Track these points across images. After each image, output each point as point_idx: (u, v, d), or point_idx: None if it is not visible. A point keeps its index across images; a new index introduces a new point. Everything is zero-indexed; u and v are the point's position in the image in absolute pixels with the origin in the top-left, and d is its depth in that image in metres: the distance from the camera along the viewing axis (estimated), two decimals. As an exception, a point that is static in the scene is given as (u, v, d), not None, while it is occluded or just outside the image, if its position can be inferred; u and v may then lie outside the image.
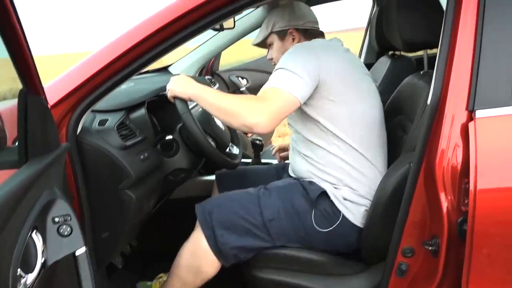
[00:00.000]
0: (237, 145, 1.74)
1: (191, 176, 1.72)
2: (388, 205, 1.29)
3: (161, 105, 1.69)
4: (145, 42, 1.21)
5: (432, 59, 1.54)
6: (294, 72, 1.30)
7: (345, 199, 1.39)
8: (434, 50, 1.37)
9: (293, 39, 1.53)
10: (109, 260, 1.42)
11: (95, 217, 1.30)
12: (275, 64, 1.49)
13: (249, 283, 1.46)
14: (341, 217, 1.39)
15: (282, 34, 1.55)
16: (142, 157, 1.39)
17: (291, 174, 1.55)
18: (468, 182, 1.08)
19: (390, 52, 2.05)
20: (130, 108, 1.49)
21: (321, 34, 1.58)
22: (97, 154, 1.27)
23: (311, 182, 1.43)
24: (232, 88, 2.94)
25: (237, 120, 1.29)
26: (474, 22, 1.10)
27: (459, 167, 1.11)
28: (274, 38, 1.56)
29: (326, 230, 1.37)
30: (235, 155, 1.67)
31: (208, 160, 1.77)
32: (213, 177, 1.88)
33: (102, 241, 1.32)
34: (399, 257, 1.24)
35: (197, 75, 2.63)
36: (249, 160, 2.11)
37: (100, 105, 1.38)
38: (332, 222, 1.38)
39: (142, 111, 1.50)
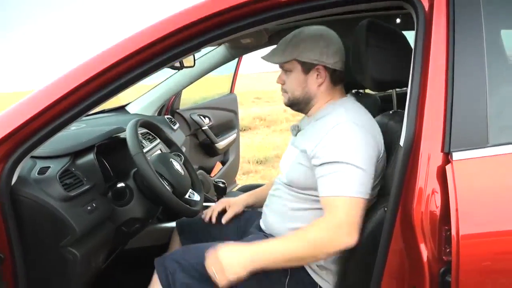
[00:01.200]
0: (198, 191, 1.61)
1: (147, 225, 1.56)
2: (364, 254, 1.18)
3: (113, 149, 1.55)
4: (93, 80, 1.09)
5: (400, 96, 1.51)
6: (362, 168, 1.18)
7: (319, 267, 1.30)
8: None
9: (317, 76, 1.33)
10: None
11: (32, 281, 1.12)
12: (283, 91, 1.39)
13: None
14: None
15: (307, 67, 1.33)
16: (89, 208, 1.24)
17: (263, 228, 1.43)
18: (449, 229, 1.00)
19: (354, 90, 2.02)
20: (77, 153, 1.34)
21: (342, 79, 1.40)
22: (35, 207, 1.11)
23: None
24: (194, 127, 2.84)
25: (324, 253, 1.17)
26: (445, 59, 1.05)
27: (438, 212, 1.02)
28: (296, 67, 1.34)
29: None
30: (195, 201, 1.53)
31: (165, 208, 1.62)
32: (171, 225, 1.73)
33: None
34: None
35: (156, 114, 2.51)
36: (212, 204, 1.97)
37: (42, 150, 1.23)
38: None
39: (90, 156, 1.35)
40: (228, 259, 1.15)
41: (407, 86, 1.15)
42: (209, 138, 2.91)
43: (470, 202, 1.00)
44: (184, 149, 2.50)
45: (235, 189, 2.71)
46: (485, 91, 1.03)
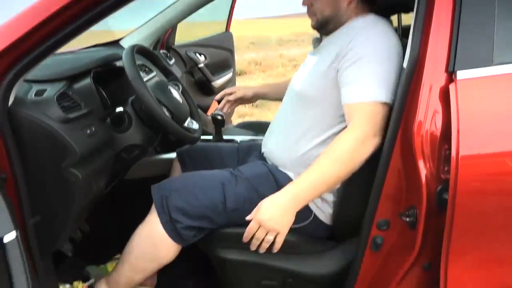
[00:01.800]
0: (197, 120, 1.59)
1: (147, 153, 1.56)
2: (362, 178, 1.20)
3: (110, 77, 1.52)
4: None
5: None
6: (389, 71, 1.16)
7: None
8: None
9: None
10: (54, 247, 1.25)
11: (35, 200, 1.13)
12: (311, 14, 1.35)
13: (216, 264, 1.35)
14: (312, 217, 1.31)
15: None
16: (88, 131, 1.23)
17: (264, 153, 1.43)
18: (448, 149, 1.01)
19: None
20: (73, 78, 1.31)
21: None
22: (34, 128, 1.10)
23: (283, 174, 1.33)
24: (189, 64, 2.78)
25: (358, 162, 1.16)
26: (454, -25, 1.02)
27: (439, 132, 1.03)
28: None
29: (295, 226, 1.27)
30: (194, 130, 1.52)
31: (164, 136, 1.62)
32: (171, 156, 1.74)
33: (45, 227, 1.16)
34: (374, 231, 1.17)
35: (151, 48, 2.44)
36: (210, 137, 1.98)
37: (36, 74, 1.20)
38: (302, 220, 1.29)
39: (87, 81, 1.32)
40: (275, 216, 1.15)
41: (412, 10, 1.12)
42: (205, 76, 2.86)
43: (472, 121, 1.00)
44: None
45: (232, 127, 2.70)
46: (494, 7, 1.00)
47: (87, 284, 1.43)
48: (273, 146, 1.41)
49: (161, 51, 2.44)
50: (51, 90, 1.20)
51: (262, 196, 1.28)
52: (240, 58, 8.43)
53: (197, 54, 2.83)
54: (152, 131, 1.46)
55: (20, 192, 1.09)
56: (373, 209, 1.15)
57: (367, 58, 1.18)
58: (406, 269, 1.11)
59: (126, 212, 1.63)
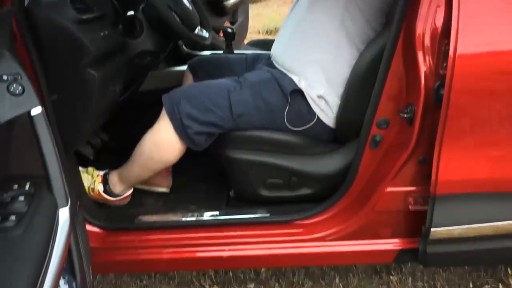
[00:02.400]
0: (206, 29, 1.62)
1: (159, 60, 1.61)
2: (365, 79, 1.24)
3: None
4: None
5: None
6: None
7: (320, 97, 1.34)
8: None
9: None
10: (75, 144, 1.36)
11: (56, 100, 1.21)
12: None
13: (225, 165, 1.45)
14: (315, 119, 1.36)
15: None
16: (102, 34, 1.28)
17: (272, 56, 1.47)
18: (448, 44, 1.04)
19: None
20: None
21: None
22: (51, 27, 1.15)
23: (288, 79, 1.37)
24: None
25: None
26: None
27: (439, 28, 1.06)
28: None
29: (299, 128, 1.33)
30: (204, 37, 1.56)
31: (176, 45, 1.66)
32: (183, 68, 1.79)
33: (66, 122, 1.25)
34: (374, 129, 1.23)
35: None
36: (221, 52, 2.01)
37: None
38: (305, 122, 1.36)
39: (99, -15, 1.35)
40: None
41: None
42: (217, -5, 2.82)
43: (472, 19, 1.02)
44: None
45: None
46: None
47: (101, 173, 1.55)
48: (280, 49, 1.44)
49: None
50: None
51: (267, 102, 1.34)
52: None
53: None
54: (164, 38, 1.51)
55: (41, 91, 1.16)
56: (373, 108, 1.21)
57: None
58: (402, 163, 1.19)
59: (142, 123, 1.72)
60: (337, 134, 1.40)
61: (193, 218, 1.40)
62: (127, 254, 1.36)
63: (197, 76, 1.64)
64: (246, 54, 1.70)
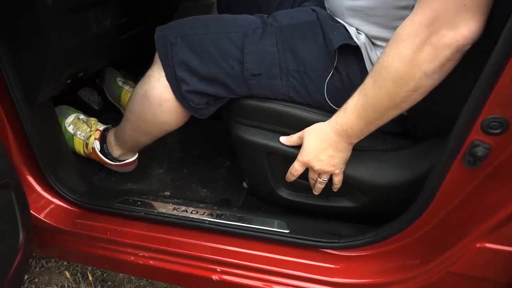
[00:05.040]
0: None
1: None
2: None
3: None
4: None
5: None
6: None
7: None
8: None
9: None
10: (37, 94, 1.00)
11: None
12: None
13: (233, 143, 1.01)
14: None
15: None
16: None
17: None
18: None
19: None
20: None
21: None
22: None
23: (339, 27, 0.85)
24: None
25: (423, 72, 0.67)
26: None
27: None
28: None
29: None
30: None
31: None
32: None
33: (23, 63, 0.90)
34: (475, 133, 0.67)
35: None
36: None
37: None
38: None
39: None
40: (324, 156, 0.85)
41: None
42: None
43: None
44: None
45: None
46: None
47: (102, 127, 1.23)
48: None
49: None
50: None
51: (299, 59, 0.84)
52: None
53: None
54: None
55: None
56: (481, 96, 0.64)
57: None
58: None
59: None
60: (407, 124, 0.86)
61: (188, 215, 1.00)
62: (93, 247, 1.03)
63: (221, 6, 1.17)
64: None
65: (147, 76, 0.98)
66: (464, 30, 0.63)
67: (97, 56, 1.12)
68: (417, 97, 0.71)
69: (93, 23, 1.00)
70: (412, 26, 0.67)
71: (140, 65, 1.35)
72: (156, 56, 0.95)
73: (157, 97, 0.95)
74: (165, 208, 1.03)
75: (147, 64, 1.00)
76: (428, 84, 0.69)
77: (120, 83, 1.46)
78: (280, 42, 0.86)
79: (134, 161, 1.23)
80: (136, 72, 1.55)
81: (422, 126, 0.85)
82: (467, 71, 0.67)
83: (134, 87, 1.44)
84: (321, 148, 0.85)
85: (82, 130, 1.23)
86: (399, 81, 0.69)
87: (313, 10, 0.90)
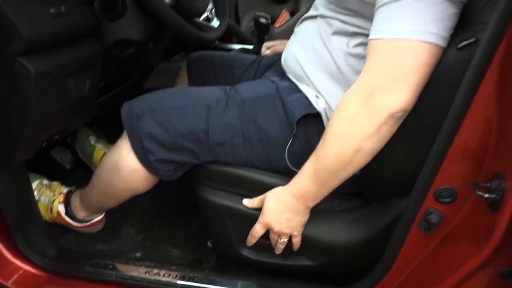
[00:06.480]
0: (220, 17, 1.20)
1: (148, 54, 1.23)
2: (418, 113, 0.75)
3: None
4: None
5: None
6: None
7: None
8: None
9: None
10: (13, 157, 1.02)
11: None
12: None
13: (199, 204, 1.04)
14: None
15: None
16: (53, 10, 0.91)
17: (283, 59, 1.03)
18: None
19: None
20: None
21: None
22: None
23: (298, 96, 0.93)
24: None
25: (363, 137, 0.75)
26: None
27: None
28: None
29: None
30: (211, 27, 1.14)
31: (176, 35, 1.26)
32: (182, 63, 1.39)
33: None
34: (429, 202, 0.75)
35: None
36: (251, 47, 1.58)
37: None
38: None
39: None
40: (283, 219, 0.90)
41: None
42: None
43: None
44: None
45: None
46: None
47: (66, 190, 1.23)
48: (295, 47, 0.99)
49: None
50: None
51: (260, 129, 0.91)
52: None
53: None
54: (155, 23, 1.11)
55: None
56: (433, 167, 0.72)
57: None
58: (470, 270, 0.70)
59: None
60: (362, 186, 0.93)
61: (160, 278, 1.01)
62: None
63: (191, 74, 1.24)
64: (261, 57, 1.25)
65: (117, 147, 1.02)
66: (396, 99, 0.71)
67: (75, 119, 1.15)
68: (361, 159, 0.78)
69: (73, 88, 1.04)
70: (354, 92, 0.76)
71: (111, 121, 1.39)
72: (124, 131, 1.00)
73: (127, 168, 0.98)
74: (137, 271, 1.03)
75: (119, 121, 1.03)
76: (369, 146, 0.76)
77: (92, 142, 1.48)
78: (243, 114, 0.92)
79: (100, 220, 1.23)
80: (108, 129, 1.59)
81: (374, 188, 0.91)
82: (410, 141, 0.75)
83: (106, 145, 1.47)
84: (280, 211, 0.89)
85: (45, 195, 1.24)
86: (344, 141, 0.77)
87: (273, 82, 0.98)
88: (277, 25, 2.68)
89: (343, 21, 0.88)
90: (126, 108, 0.97)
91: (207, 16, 1.14)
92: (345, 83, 0.86)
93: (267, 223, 0.91)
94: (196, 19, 1.11)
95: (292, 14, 2.75)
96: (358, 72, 0.79)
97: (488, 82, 0.64)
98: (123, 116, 0.97)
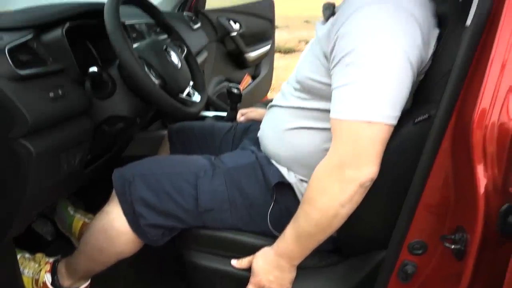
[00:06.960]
0: (200, 92, 1.32)
1: (134, 127, 1.31)
2: (385, 179, 0.88)
3: (101, 32, 1.27)
4: None
5: None
6: (392, 74, 0.80)
7: None
8: None
9: None
10: (8, 233, 1.04)
11: None
12: None
13: (187, 268, 1.09)
14: None
15: None
16: (52, 94, 0.99)
17: (259, 136, 1.14)
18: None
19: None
20: (43, 27, 1.07)
21: None
22: None
23: (274, 169, 1.04)
24: (221, 32, 2.50)
25: (336, 205, 0.85)
26: None
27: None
28: None
29: None
30: (193, 102, 1.25)
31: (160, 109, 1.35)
32: (164, 132, 1.48)
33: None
34: (405, 254, 0.85)
35: (175, 10, 2.19)
36: (224, 114, 1.70)
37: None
38: None
39: (58, 32, 1.07)
40: (273, 279, 0.96)
41: None
42: (238, 47, 2.57)
43: None
44: (206, 55, 2.20)
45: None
46: None
47: (51, 260, 1.24)
48: (265, 130, 1.11)
49: (185, 13, 2.18)
50: (6, 39, 0.96)
51: (245, 195, 1.00)
52: (291, 36, 8.05)
53: (231, 22, 2.54)
54: (143, 100, 1.20)
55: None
56: (405, 225, 0.84)
57: (359, 58, 0.80)
58: (445, 313, 0.80)
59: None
60: (339, 244, 1.03)
61: None
62: None
63: (174, 145, 1.33)
64: (236, 123, 1.37)
65: (104, 211, 1.07)
66: (364, 171, 0.82)
67: (64, 192, 1.19)
68: (338, 223, 0.87)
69: (64, 163, 1.09)
70: (325, 167, 0.86)
71: (89, 191, 1.42)
72: (113, 194, 1.05)
73: (115, 231, 1.03)
74: None
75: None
76: (344, 212, 0.86)
77: (71, 212, 1.50)
78: (228, 182, 1.02)
79: (88, 285, 1.24)
80: (85, 199, 1.61)
81: (350, 245, 1.01)
82: (378, 202, 0.87)
83: (85, 215, 1.49)
84: (268, 270, 0.96)
85: (29, 268, 1.24)
86: (321, 210, 0.86)
87: (252, 152, 1.09)
88: (241, 88, 2.85)
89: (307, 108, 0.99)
90: (118, 175, 1.04)
91: (188, 92, 1.24)
92: (315, 165, 0.92)
93: (259, 281, 0.97)
94: (180, 95, 1.21)
95: (253, 78, 2.95)
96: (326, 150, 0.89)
97: (442, 151, 0.77)
98: (114, 182, 1.03)
